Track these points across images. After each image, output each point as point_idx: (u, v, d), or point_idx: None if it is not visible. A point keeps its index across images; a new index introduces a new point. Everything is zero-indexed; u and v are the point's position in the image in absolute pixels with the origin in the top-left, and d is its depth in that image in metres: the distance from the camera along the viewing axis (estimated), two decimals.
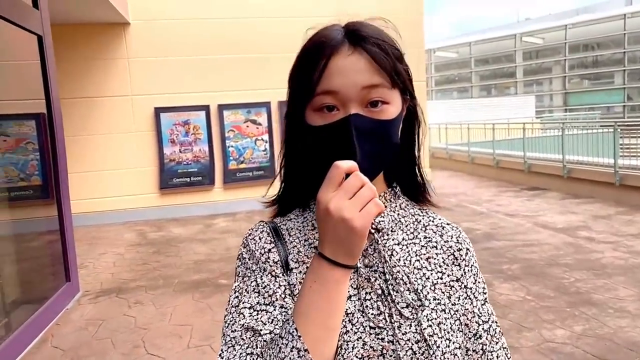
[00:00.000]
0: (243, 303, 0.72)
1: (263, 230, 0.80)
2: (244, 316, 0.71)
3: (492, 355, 0.78)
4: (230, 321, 0.72)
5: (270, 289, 0.72)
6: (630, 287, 4.47)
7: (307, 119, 0.73)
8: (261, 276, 0.74)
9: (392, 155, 0.74)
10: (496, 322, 0.81)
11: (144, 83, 8.62)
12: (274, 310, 0.71)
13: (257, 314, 0.70)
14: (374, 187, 0.61)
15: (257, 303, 0.71)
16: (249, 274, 0.75)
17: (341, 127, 0.69)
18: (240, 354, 0.68)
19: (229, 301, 0.75)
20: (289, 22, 8.91)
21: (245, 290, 0.74)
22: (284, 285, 0.73)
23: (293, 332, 0.63)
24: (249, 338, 0.69)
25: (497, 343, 0.79)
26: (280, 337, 0.64)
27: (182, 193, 8.90)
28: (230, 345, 0.70)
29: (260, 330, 0.69)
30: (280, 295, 0.72)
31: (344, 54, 0.70)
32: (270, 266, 0.75)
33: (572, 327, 3.73)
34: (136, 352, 3.65)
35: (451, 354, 0.73)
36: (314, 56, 0.71)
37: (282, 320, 0.69)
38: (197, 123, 8.82)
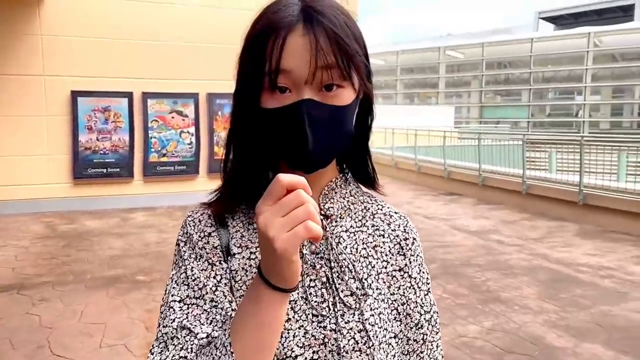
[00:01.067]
0: (173, 296, 0.69)
1: (204, 213, 0.75)
2: (174, 310, 0.67)
3: (432, 345, 0.80)
4: (163, 314, 0.69)
5: (201, 281, 0.69)
6: (532, 286, 4.88)
7: (260, 101, 0.69)
8: (192, 267, 0.70)
9: (346, 142, 0.72)
10: (437, 312, 0.82)
11: (59, 64, 7.96)
12: (204, 304, 0.67)
13: (188, 308, 0.67)
14: (315, 208, 0.55)
15: (187, 296, 0.68)
16: (181, 264, 0.72)
17: (293, 113, 0.66)
18: (173, 355, 0.64)
19: (165, 289, 0.72)
20: (220, 13, 8.69)
21: (176, 282, 0.70)
22: (220, 275, 0.70)
23: (227, 345, 0.60)
24: (184, 337, 0.65)
25: (437, 333, 0.81)
26: (215, 347, 0.62)
27: (98, 184, 8.35)
28: (162, 341, 0.67)
29: (196, 332, 0.65)
30: (211, 288, 0.68)
31: (298, 33, 0.66)
32: (207, 252, 0.71)
33: (482, 322, 3.99)
34: (40, 352, 3.37)
35: (386, 344, 0.73)
36: (268, 34, 0.67)
37: (218, 320, 0.67)
38: (118, 110, 8.31)
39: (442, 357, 0.82)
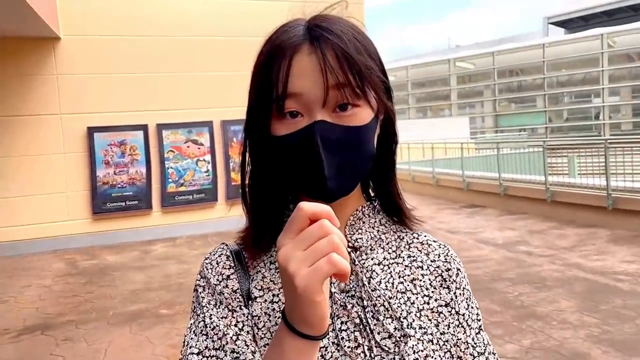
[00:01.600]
0: (191, 347, 0.63)
1: (222, 254, 0.70)
2: None
3: None
4: None
5: (220, 330, 0.63)
6: (569, 299, 4.64)
7: (271, 129, 0.64)
8: (210, 315, 0.65)
9: (367, 166, 0.65)
10: (493, 353, 0.71)
11: (74, 101, 8.11)
12: (225, 356, 0.62)
13: None
14: (342, 239, 0.49)
15: (206, 348, 0.63)
16: (199, 311, 0.66)
17: (305, 137, 0.60)
18: None
19: (184, 339, 0.66)
20: (229, 41, 8.78)
21: (194, 331, 0.65)
22: (242, 322, 0.64)
23: None
24: None
25: None
26: None
27: (117, 218, 8.37)
28: None
29: None
30: (232, 337, 0.63)
31: (305, 53, 0.61)
32: (226, 298, 0.65)
33: (520, 341, 3.78)
34: None
35: None
36: (273, 58, 0.62)
37: None
38: (134, 143, 8.38)
39: None
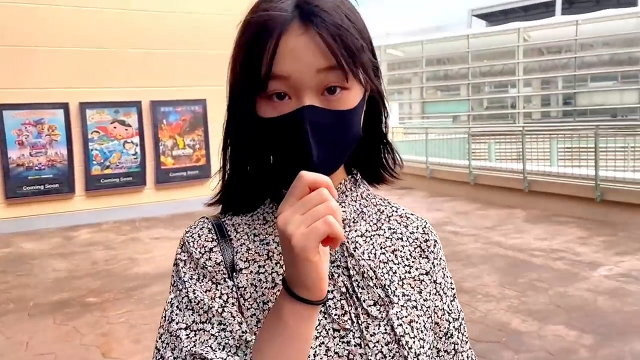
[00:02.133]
0: (178, 324, 0.62)
1: (203, 227, 0.69)
2: (181, 339, 0.61)
3: (462, 355, 0.74)
4: (169, 345, 0.62)
5: (205, 304, 0.62)
6: (492, 274, 5.00)
7: (257, 109, 0.62)
8: (194, 290, 0.63)
9: (352, 146, 0.66)
10: (464, 319, 0.77)
11: None
12: (212, 328, 0.61)
13: (195, 335, 0.61)
14: (338, 208, 0.52)
15: (193, 322, 0.62)
16: (181, 286, 0.64)
17: (294, 122, 0.59)
18: None
19: (163, 315, 0.65)
20: (161, 17, 8.36)
21: (177, 307, 0.63)
22: (226, 294, 0.63)
23: None
24: None
25: (466, 342, 0.76)
26: None
27: (35, 202, 7.76)
28: None
29: (210, 357, 0.59)
30: (217, 310, 0.62)
31: (294, 33, 0.58)
32: (210, 271, 0.64)
33: None
34: None
35: (425, 355, 0.67)
36: (260, 34, 0.59)
37: (231, 345, 0.60)
38: (53, 123, 7.76)
39: None
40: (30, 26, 7.57)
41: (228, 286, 0.64)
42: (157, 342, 0.64)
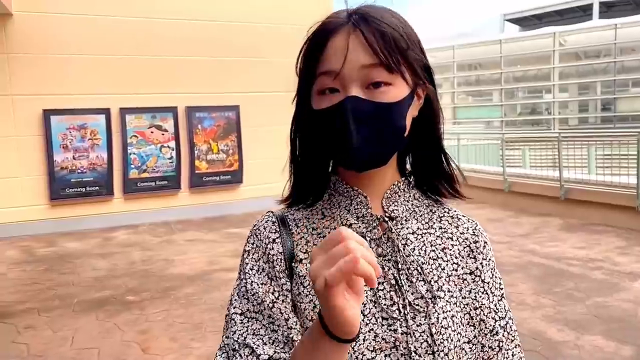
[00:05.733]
0: (235, 308, 0.71)
1: (268, 220, 0.77)
2: (235, 323, 0.70)
3: (507, 353, 0.76)
4: (226, 324, 0.72)
5: (259, 297, 0.70)
6: (526, 282, 4.91)
7: (313, 103, 0.72)
8: (252, 281, 0.72)
9: (398, 140, 0.71)
10: (512, 318, 0.79)
11: (28, 82, 7.70)
12: (263, 319, 0.69)
13: (248, 322, 0.70)
14: (365, 255, 0.51)
15: (247, 310, 0.70)
16: (243, 276, 0.73)
17: (338, 111, 0.67)
18: None
19: (230, 298, 0.75)
20: (196, 25, 8.60)
21: (237, 294, 0.73)
22: (277, 292, 0.71)
23: None
24: (246, 356, 0.67)
25: (512, 341, 0.78)
26: None
27: (77, 204, 8.08)
28: (225, 352, 0.69)
29: (259, 352, 0.66)
30: (268, 304, 0.70)
31: (343, 34, 0.68)
32: (269, 264, 0.72)
33: None
34: None
35: (460, 348, 0.72)
36: (315, 39, 0.70)
37: (280, 340, 0.68)
38: (95, 127, 8.08)
39: None
40: (73, 35, 7.92)
41: (281, 284, 0.71)
42: (226, 318, 0.73)
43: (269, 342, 0.67)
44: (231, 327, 0.70)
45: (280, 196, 0.80)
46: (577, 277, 5.03)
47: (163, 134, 8.53)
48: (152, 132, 8.44)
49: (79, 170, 8.00)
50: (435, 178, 0.80)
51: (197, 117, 8.71)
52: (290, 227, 0.75)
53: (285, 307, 0.70)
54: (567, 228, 7.24)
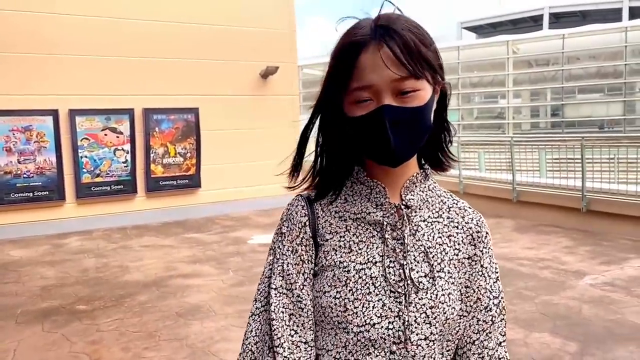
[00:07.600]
0: (272, 283, 0.87)
1: (298, 205, 0.90)
2: (271, 296, 0.86)
3: (496, 325, 0.91)
4: (261, 292, 0.89)
5: (292, 277, 0.86)
6: None
7: (345, 110, 0.82)
8: (287, 262, 0.86)
9: (425, 136, 0.83)
10: (503, 298, 0.93)
11: None
12: (292, 297, 0.85)
13: (280, 296, 0.85)
14: None
15: (280, 286, 0.86)
16: (279, 256, 0.88)
17: (376, 118, 0.78)
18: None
19: (263, 272, 0.90)
20: (155, 26, 8.41)
21: (273, 271, 0.88)
22: (306, 273, 0.86)
23: None
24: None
25: (501, 318, 0.92)
26: None
27: (23, 210, 7.71)
28: (261, 299, 0.88)
29: (280, 352, 0.84)
30: (300, 285, 0.85)
31: (372, 50, 0.77)
32: (302, 247, 0.86)
33: None
34: None
35: (452, 320, 0.85)
36: (346, 55, 0.79)
37: (305, 325, 0.85)
38: (42, 130, 7.74)
39: (503, 335, 0.93)
40: (18, 33, 7.57)
41: (309, 267, 0.86)
42: (256, 292, 0.89)
43: (294, 324, 0.85)
44: (266, 299, 0.87)
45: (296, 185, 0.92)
46: (527, 277, 5.22)
47: (118, 137, 8.27)
48: (105, 135, 8.17)
49: (25, 175, 7.64)
50: (438, 151, 0.92)
51: (155, 120, 8.50)
52: (317, 210, 0.88)
53: (310, 289, 0.86)
54: (519, 229, 7.51)
